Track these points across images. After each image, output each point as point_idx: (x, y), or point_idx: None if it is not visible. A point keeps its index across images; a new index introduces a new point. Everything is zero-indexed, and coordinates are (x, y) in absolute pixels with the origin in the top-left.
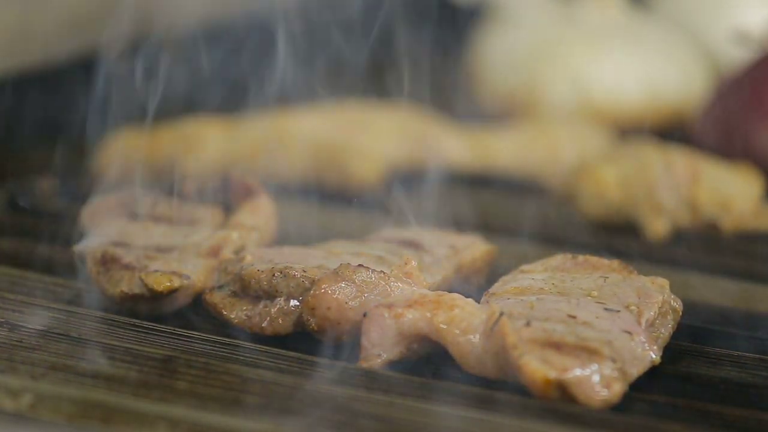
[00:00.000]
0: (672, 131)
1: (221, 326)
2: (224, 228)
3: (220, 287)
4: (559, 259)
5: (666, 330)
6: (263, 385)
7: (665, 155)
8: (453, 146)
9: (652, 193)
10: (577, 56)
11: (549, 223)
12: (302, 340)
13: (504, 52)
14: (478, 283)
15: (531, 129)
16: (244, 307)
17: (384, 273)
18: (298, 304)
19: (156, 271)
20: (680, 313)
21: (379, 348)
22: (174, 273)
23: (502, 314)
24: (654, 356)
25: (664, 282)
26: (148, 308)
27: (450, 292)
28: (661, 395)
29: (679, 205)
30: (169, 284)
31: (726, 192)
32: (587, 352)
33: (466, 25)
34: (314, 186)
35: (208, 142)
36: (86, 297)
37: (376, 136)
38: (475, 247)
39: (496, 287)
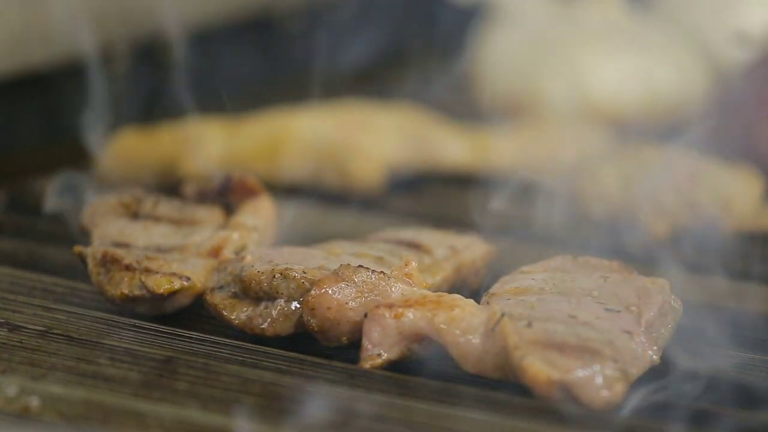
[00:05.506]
0: (672, 131)
1: (221, 327)
2: (225, 228)
3: (221, 288)
4: (559, 259)
5: (666, 330)
6: (263, 385)
7: (665, 155)
8: (453, 146)
9: (652, 193)
10: (577, 56)
11: (549, 223)
12: (302, 340)
13: (504, 52)
14: (477, 283)
15: (531, 129)
16: (245, 309)
17: (384, 273)
18: (298, 305)
19: (156, 272)
20: (680, 313)
21: (380, 348)
22: (174, 275)
23: (503, 315)
24: (654, 356)
25: (664, 282)
26: (149, 309)
27: (450, 292)
28: (661, 395)
29: (679, 205)
30: (169, 286)
31: (726, 192)
32: (589, 352)
33: (466, 25)
34: (314, 186)
35: (208, 143)
36: (86, 297)
37: (376, 136)
38: (474, 248)
39: (496, 287)
